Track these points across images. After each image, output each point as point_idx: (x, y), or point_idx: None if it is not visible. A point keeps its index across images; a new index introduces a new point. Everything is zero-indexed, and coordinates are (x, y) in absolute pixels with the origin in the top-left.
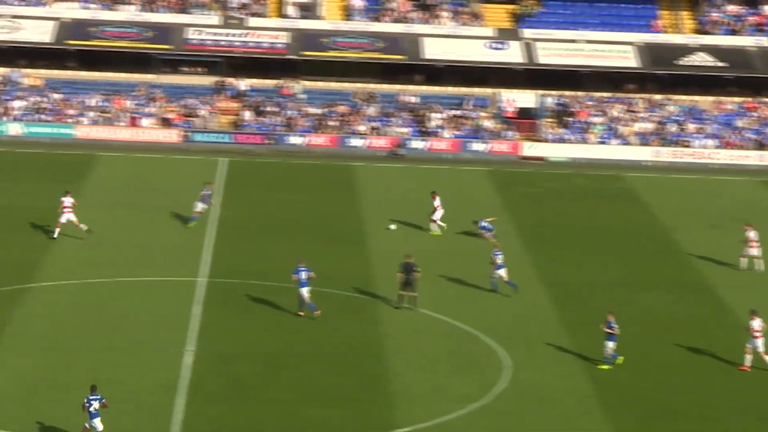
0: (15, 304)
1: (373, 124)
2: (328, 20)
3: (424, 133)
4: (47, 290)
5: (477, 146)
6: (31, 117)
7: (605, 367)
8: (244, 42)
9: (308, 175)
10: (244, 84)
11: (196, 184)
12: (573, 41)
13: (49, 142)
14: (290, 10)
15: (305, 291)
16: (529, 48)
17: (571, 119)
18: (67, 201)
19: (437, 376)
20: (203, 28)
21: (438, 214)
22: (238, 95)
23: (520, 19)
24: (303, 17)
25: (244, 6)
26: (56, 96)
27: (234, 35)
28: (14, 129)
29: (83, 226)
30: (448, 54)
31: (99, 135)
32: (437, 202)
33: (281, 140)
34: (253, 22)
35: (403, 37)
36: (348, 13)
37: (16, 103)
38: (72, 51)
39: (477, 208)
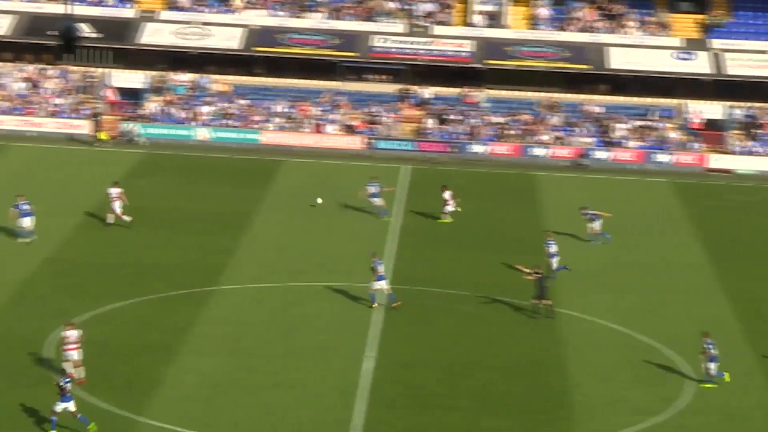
0: (200, 306)
1: (557, 133)
2: (514, 29)
3: (608, 144)
4: (231, 293)
5: (662, 157)
6: (219, 122)
7: (709, 386)
8: (429, 50)
9: (490, 184)
10: (427, 92)
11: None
12: (763, 52)
13: (235, 147)
14: (475, 19)
15: (384, 284)
16: (717, 59)
17: (759, 131)
18: (114, 192)
19: (617, 388)
20: (388, 35)
21: (448, 208)
22: (421, 103)
23: (708, 30)
24: (488, 26)
25: (429, 14)
26: (243, 102)
27: (419, 43)
28: (202, 134)
29: (126, 218)
30: (633, 64)
31: (284, 141)
32: (447, 195)
33: (464, 149)
34: (438, 30)
35: (588, 47)
36: (533, 22)
37: (205, 109)
38: (259, 58)
39: (660, 219)
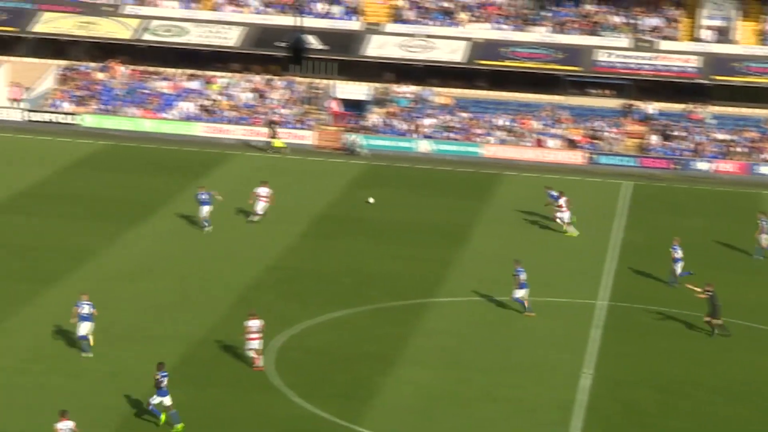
0: (418, 317)
1: None
2: (742, 44)
3: None
4: (449, 305)
5: None
6: (440, 135)
7: None
8: (654, 65)
9: (713, 202)
10: (651, 107)
11: (599, 206)
12: None
13: (456, 160)
14: (703, 34)
15: (524, 293)
16: None
17: None
18: (263, 191)
19: None
20: (613, 50)
21: (565, 217)
22: (645, 119)
23: None
24: (717, 41)
25: (655, 29)
26: (465, 115)
27: (644, 58)
28: (424, 146)
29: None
30: None
31: (505, 154)
32: (562, 201)
33: (687, 166)
34: (664, 45)
35: None
36: (763, 37)
37: (427, 121)
38: (482, 71)
39: None
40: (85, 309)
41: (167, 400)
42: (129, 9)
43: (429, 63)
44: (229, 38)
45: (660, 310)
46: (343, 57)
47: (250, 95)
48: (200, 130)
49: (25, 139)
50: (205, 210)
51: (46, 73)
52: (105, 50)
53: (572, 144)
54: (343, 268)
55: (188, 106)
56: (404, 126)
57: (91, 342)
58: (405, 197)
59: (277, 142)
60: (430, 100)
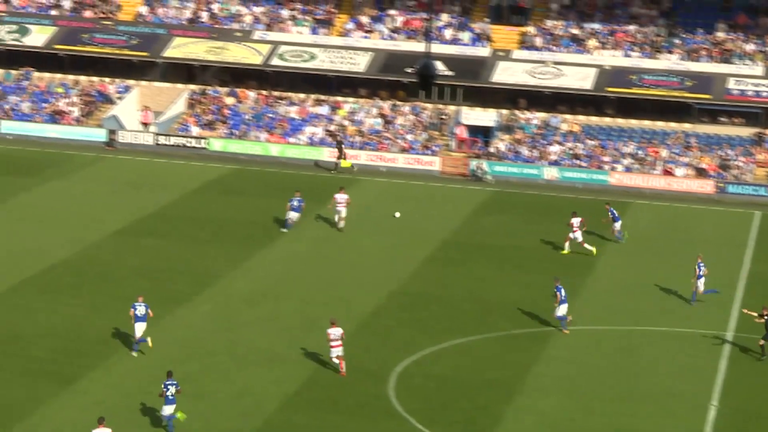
0: (542, 345)
1: None
2: None
3: None
4: (573, 334)
5: None
6: (567, 162)
7: None
8: None
9: None
10: None
11: (729, 236)
12: None
13: (582, 188)
14: None
15: (565, 309)
16: None
17: None
18: (576, 221)
19: None
20: (745, 78)
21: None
22: None
23: None
24: None
25: None
26: (592, 142)
27: None
28: (549, 173)
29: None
30: None
31: (632, 182)
32: (575, 222)
33: None
34: None
35: None
36: None
37: (553, 148)
38: (610, 98)
39: None
40: (141, 310)
41: (167, 410)
42: (259, 34)
43: (557, 90)
44: (357, 64)
45: None
46: (471, 83)
47: (377, 121)
48: (326, 155)
49: (155, 162)
50: (294, 216)
51: (177, 98)
52: (234, 75)
53: (701, 173)
54: (465, 294)
55: (315, 131)
56: (530, 153)
57: (150, 344)
58: (530, 224)
59: (344, 162)
60: (557, 126)
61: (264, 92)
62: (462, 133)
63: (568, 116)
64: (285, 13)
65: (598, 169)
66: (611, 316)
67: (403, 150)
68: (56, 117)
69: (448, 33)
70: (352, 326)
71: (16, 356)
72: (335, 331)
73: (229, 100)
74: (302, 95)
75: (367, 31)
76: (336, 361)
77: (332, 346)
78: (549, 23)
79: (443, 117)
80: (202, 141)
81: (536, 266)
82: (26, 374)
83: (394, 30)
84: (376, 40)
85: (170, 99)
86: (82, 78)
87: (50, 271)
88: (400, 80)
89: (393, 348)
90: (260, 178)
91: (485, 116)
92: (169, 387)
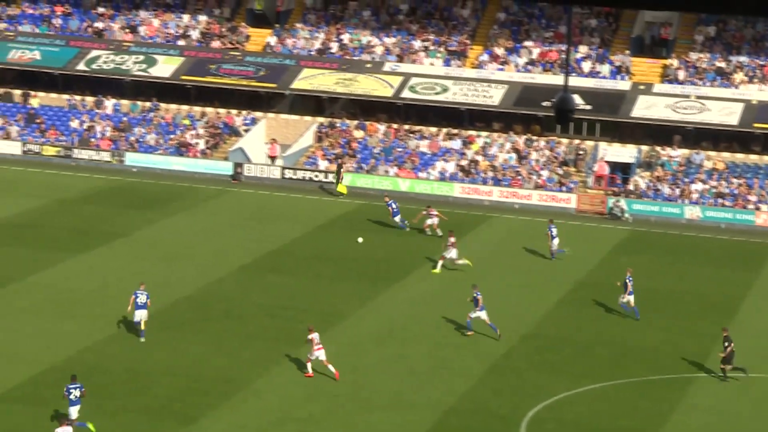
0: (681, 393)
1: None
2: None
3: None
4: (715, 381)
5: None
6: (710, 201)
7: None
8: None
9: None
10: None
11: None
12: None
13: (727, 228)
14: None
15: (484, 314)
16: None
17: None
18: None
19: None
20: None
21: (451, 253)
22: None
23: None
24: None
25: None
26: (737, 180)
27: None
28: (691, 212)
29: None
30: None
31: None
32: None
33: None
34: None
35: None
36: None
37: (696, 186)
38: (758, 134)
39: None
40: (141, 298)
41: (74, 413)
42: (390, 66)
43: (701, 125)
44: (491, 97)
45: None
46: (610, 118)
47: (510, 156)
48: (458, 190)
49: (280, 197)
50: (397, 218)
51: (304, 130)
52: (364, 107)
53: None
54: (600, 337)
55: (446, 166)
56: (671, 191)
57: (143, 326)
58: (669, 265)
59: (340, 186)
60: (700, 164)
61: (394, 125)
62: (601, 169)
63: (711, 153)
64: (417, 44)
65: (743, 209)
66: (758, 363)
67: (538, 186)
68: (182, 149)
69: (586, 65)
70: (483, 368)
71: (138, 394)
72: (316, 335)
73: (358, 134)
74: (433, 129)
75: (501, 63)
76: (311, 360)
77: (316, 350)
78: (693, 56)
79: (580, 153)
80: (330, 175)
81: (674, 309)
82: (148, 413)
83: (530, 62)
84: (511, 72)
85: (298, 132)
86: (209, 109)
87: (174, 306)
88: (536, 114)
89: (525, 392)
90: (388, 215)
91: (624, 152)
92: (71, 390)
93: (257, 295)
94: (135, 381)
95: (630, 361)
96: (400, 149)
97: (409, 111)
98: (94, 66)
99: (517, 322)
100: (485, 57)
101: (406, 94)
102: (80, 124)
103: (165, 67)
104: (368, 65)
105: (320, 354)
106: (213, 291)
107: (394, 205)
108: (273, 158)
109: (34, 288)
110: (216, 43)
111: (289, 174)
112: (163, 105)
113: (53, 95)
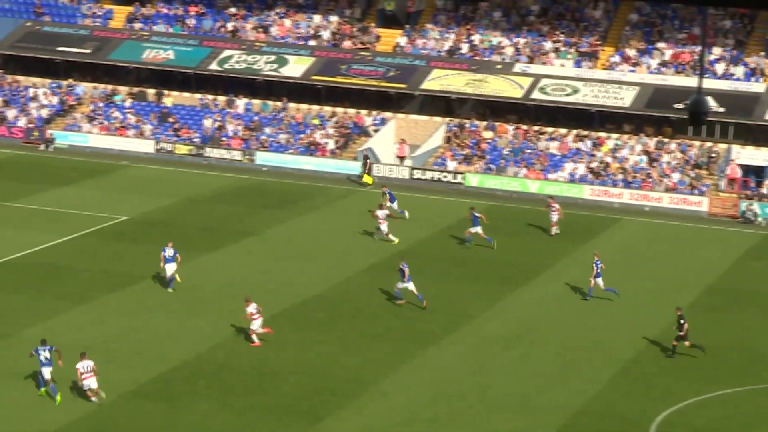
0: None
1: None
2: None
3: None
4: None
5: None
6: None
7: None
8: None
9: None
10: None
11: None
12: None
13: None
14: None
15: (411, 285)
16: None
17: None
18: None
19: None
20: None
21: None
22: None
23: None
24: None
25: None
26: None
27: None
28: None
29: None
30: None
31: None
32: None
33: None
34: None
35: None
36: None
37: None
38: None
39: None
40: (170, 252)
41: (46, 373)
42: (520, 67)
43: None
44: (622, 98)
45: None
46: (744, 120)
47: (641, 158)
48: (587, 192)
49: (409, 197)
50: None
51: (434, 131)
52: (493, 108)
53: None
54: (730, 343)
55: (576, 168)
56: None
57: (178, 279)
58: None
59: (366, 177)
60: None
61: (523, 126)
62: (733, 172)
63: None
64: (548, 45)
65: None
66: None
67: (669, 189)
68: (311, 149)
69: (720, 67)
70: (611, 371)
71: (268, 392)
72: (253, 306)
73: (488, 134)
74: (563, 130)
75: (633, 65)
76: (258, 331)
77: (254, 320)
78: None
79: (712, 155)
80: (459, 176)
81: None
82: (276, 411)
83: (662, 64)
84: (643, 73)
85: (427, 132)
86: (339, 109)
87: (302, 306)
88: (667, 116)
89: (653, 396)
90: (516, 216)
91: (758, 155)
92: (41, 351)
93: (384, 295)
94: (262, 379)
95: (762, 367)
96: (529, 150)
97: (538, 112)
98: (226, 66)
99: (646, 326)
100: (616, 58)
101: (536, 95)
102: (212, 123)
103: (296, 67)
104: (498, 66)
105: (257, 323)
106: (341, 291)
107: (389, 195)
108: (402, 158)
109: (163, 287)
110: (347, 44)
111: (417, 174)
112: (293, 105)
113: (186, 94)
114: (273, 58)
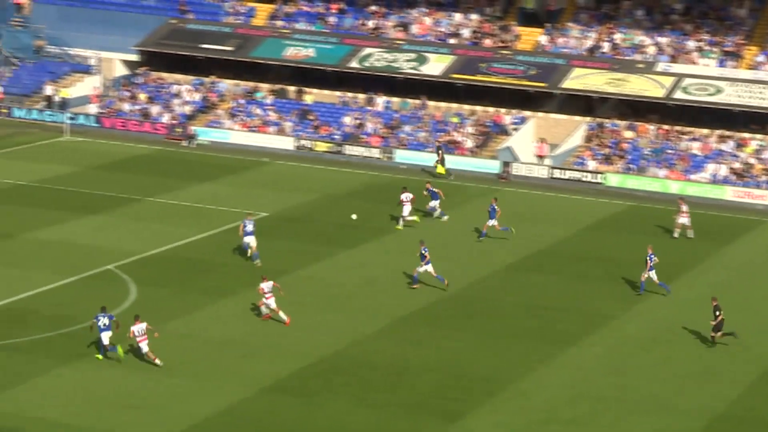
0: None
1: None
2: None
3: None
4: None
5: None
6: None
7: None
8: None
9: None
10: None
11: None
12: None
13: None
14: None
15: (430, 267)
16: None
17: None
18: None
19: None
20: None
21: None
22: None
23: None
24: None
25: None
26: None
27: None
28: None
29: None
30: None
31: None
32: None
33: None
34: None
35: None
36: None
37: None
38: None
39: None
40: (249, 227)
41: (105, 339)
42: (662, 66)
43: None
44: (766, 99)
45: None
46: None
47: None
48: (729, 194)
49: (548, 196)
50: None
51: (573, 130)
52: (634, 108)
53: None
54: None
55: (718, 169)
56: None
57: (255, 250)
58: None
59: (439, 168)
60: None
61: (665, 126)
62: None
63: None
64: (691, 44)
65: None
66: None
67: None
68: (450, 147)
69: None
70: (753, 375)
71: (403, 389)
72: (267, 285)
73: (628, 134)
74: (705, 131)
75: None
76: (264, 310)
77: (267, 299)
78: None
79: None
80: (599, 176)
81: None
82: (412, 408)
83: None
84: None
85: (567, 131)
86: (478, 108)
87: (438, 303)
88: None
89: None
90: (657, 217)
91: None
92: (100, 318)
93: (521, 294)
94: (399, 376)
95: None
96: (670, 151)
97: (680, 112)
98: (366, 63)
99: None
100: (761, 58)
101: (679, 94)
102: (352, 121)
103: (435, 66)
104: (640, 65)
105: (271, 302)
106: (477, 289)
107: (433, 192)
108: (541, 158)
109: (304, 282)
110: (487, 42)
111: (557, 174)
112: (432, 103)
113: (326, 92)
114: (413, 56)
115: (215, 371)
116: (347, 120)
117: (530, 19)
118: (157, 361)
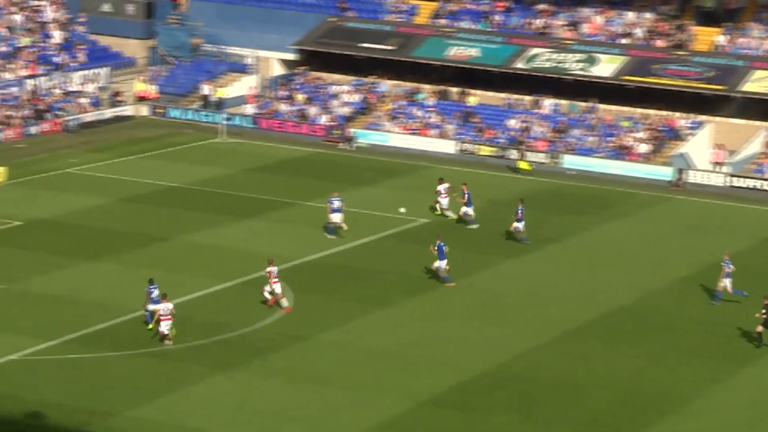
0: None
1: None
2: None
3: None
4: None
5: None
6: None
7: None
8: None
9: None
10: None
11: None
12: None
13: None
14: None
15: (444, 263)
16: None
17: None
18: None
19: None
20: None
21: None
22: None
23: None
24: None
25: None
26: None
27: None
28: None
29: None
30: None
31: None
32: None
33: None
34: None
35: None
36: None
37: None
38: None
39: None
40: (336, 204)
41: (153, 308)
42: None
43: None
44: None
45: None
46: None
47: None
48: None
49: (725, 206)
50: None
51: (753, 136)
52: None
53: None
54: None
55: None
56: None
57: (344, 227)
58: None
59: (521, 163)
60: None
61: None
62: None
63: None
64: None
65: None
66: None
67: None
68: (621, 152)
69: None
70: None
71: (570, 406)
72: (274, 269)
73: None
74: None
75: None
76: (267, 296)
77: (273, 283)
78: None
79: None
80: None
81: None
82: (580, 427)
83: None
84: None
85: (745, 137)
86: (651, 112)
87: (608, 317)
88: None
89: None
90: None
91: None
92: (153, 290)
93: (697, 309)
94: (567, 392)
95: None
96: None
97: None
98: (533, 64)
99: None
100: None
101: None
102: (517, 124)
103: (606, 67)
104: None
105: (276, 287)
106: (649, 302)
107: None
108: (718, 165)
109: (465, 290)
110: (660, 42)
111: (735, 182)
112: (602, 106)
113: (490, 93)
114: (582, 56)
115: (372, 383)
116: (512, 123)
117: (708, 18)
118: (167, 342)
